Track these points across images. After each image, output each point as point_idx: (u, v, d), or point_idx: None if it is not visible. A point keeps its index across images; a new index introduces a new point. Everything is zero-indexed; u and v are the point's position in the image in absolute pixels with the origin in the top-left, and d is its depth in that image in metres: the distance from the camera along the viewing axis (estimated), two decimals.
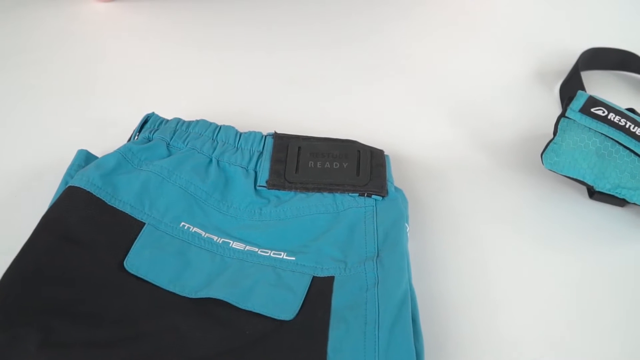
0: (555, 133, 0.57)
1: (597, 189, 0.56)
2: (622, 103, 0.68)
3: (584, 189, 0.59)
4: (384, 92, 0.69)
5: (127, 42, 0.73)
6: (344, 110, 0.66)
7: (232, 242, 0.50)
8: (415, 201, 0.57)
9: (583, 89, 0.66)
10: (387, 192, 0.53)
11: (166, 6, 0.79)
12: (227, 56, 0.72)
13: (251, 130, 0.58)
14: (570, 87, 0.67)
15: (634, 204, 0.56)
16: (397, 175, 0.60)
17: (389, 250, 0.48)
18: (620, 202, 0.57)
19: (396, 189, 0.55)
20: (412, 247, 0.54)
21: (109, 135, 0.60)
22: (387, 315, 0.43)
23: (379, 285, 0.46)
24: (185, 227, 0.50)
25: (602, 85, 0.70)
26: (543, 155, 0.57)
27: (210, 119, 0.62)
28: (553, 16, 0.79)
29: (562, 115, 0.57)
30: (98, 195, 0.49)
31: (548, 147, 0.57)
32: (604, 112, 0.56)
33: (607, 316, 0.50)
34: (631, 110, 0.59)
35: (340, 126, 0.64)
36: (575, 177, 0.56)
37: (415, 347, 0.44)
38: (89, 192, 0.49)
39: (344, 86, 0.69)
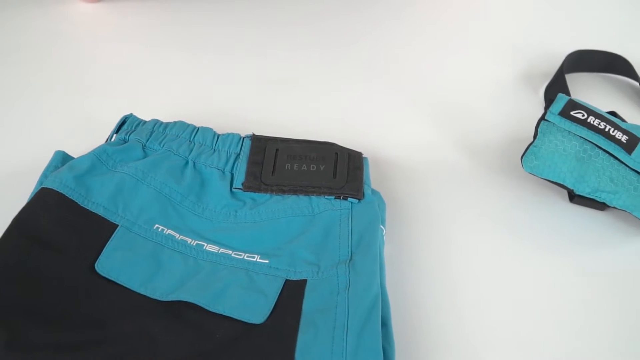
0: (535, 136, 0.56)
1: (577, 193, 0.56)
2: (607, 106, 0.68)
3: (565, 192, 0.59)
4: (370, 94, 0.69)
5: (112, 43, 0.73)
6: (328, 111, 0.66)
7: (206, 244, 0.50)
8: (395, 203, 0.57)
9: (567, 91, 0.66)
10: (363, 195, 0.52)
11: (152, 7, 0.79)
12: (212, 57, 0.72)
13: (232, 132, 0.58)
14: (555, 89, 0.67)
15: (614, 207, 0.55)
16: (378, 177, 0.59)
17: (362, 253, 0.48)
18: (601, 205, 0.57)
19: (373, 191, 0.55)
20: (388, 249, 0.53)
21: (91, 135, 0.60)
22: (356, 319, 0.43)
23: (350, 288, 0.45)
24: (159, 229, 0.50)
25: (587, 87, 0.70)
26: (523, 159, 0.56)
27: (193, 120, 0.62)
28: (544, 18, 0.79)
29: (542, 118, 0.56)
30: (71, 197, 0.49)
31: (528, 150, 0.56)
32: (583, 115, 0.55)
33: (583, 320, 0.50)
34: (613, 113, 0.59)
35: (324, 128, 0.64)
36: (554, 180, 0.56)
37: (386, 351, 0.44)
38: (61, 193, 0.48)
39: (329, 88, 0.69)
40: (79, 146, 0.58)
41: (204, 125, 0.62)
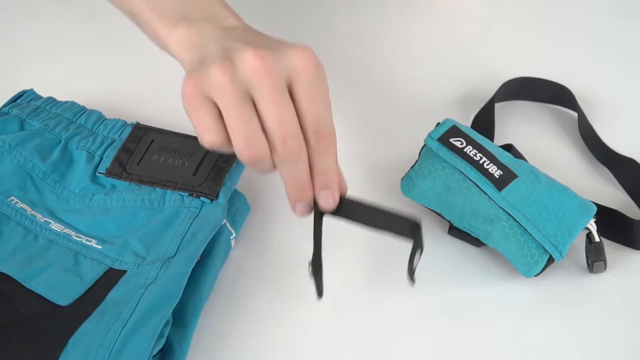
0: (417, 160, 0.54)
1: (453, 224, 0.53)
2: (539, 136, 0.63)
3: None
4: None
5: (47, 17, 0.74)
6: None
7: (53, 222, 0.51)
8: (266, 211, 0.56)
9: (492, 120, 0.62)
10: (216, 196, 0.52)
11: None
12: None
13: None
14: (483, 117, 0.63)
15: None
16: (261, 183, 0.58)
17: (183, 253, 0.48)
18: (476, 241, 0.53)
19: (238, 195, 0.54)
20: (241, 254, 0.53)
21: None
22: (138, 316, 0.43)
23: (151, 286, 0.45)
24: (13, 202, 0.52)
25: (524, 117, 0.65)
26: (401, 182, 0.54)
27: (111, 106, 0.62)
28: (503, 43, 0.74)
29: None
30: None
31: (407, 174, 0.54)
32: (462, 144, 0.52)
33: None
34: (508, 147, 0.55)
35: None
36: (429, 208, 0.53)
37: (176, 352, 0.44)
38: None
39: None
40: None
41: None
